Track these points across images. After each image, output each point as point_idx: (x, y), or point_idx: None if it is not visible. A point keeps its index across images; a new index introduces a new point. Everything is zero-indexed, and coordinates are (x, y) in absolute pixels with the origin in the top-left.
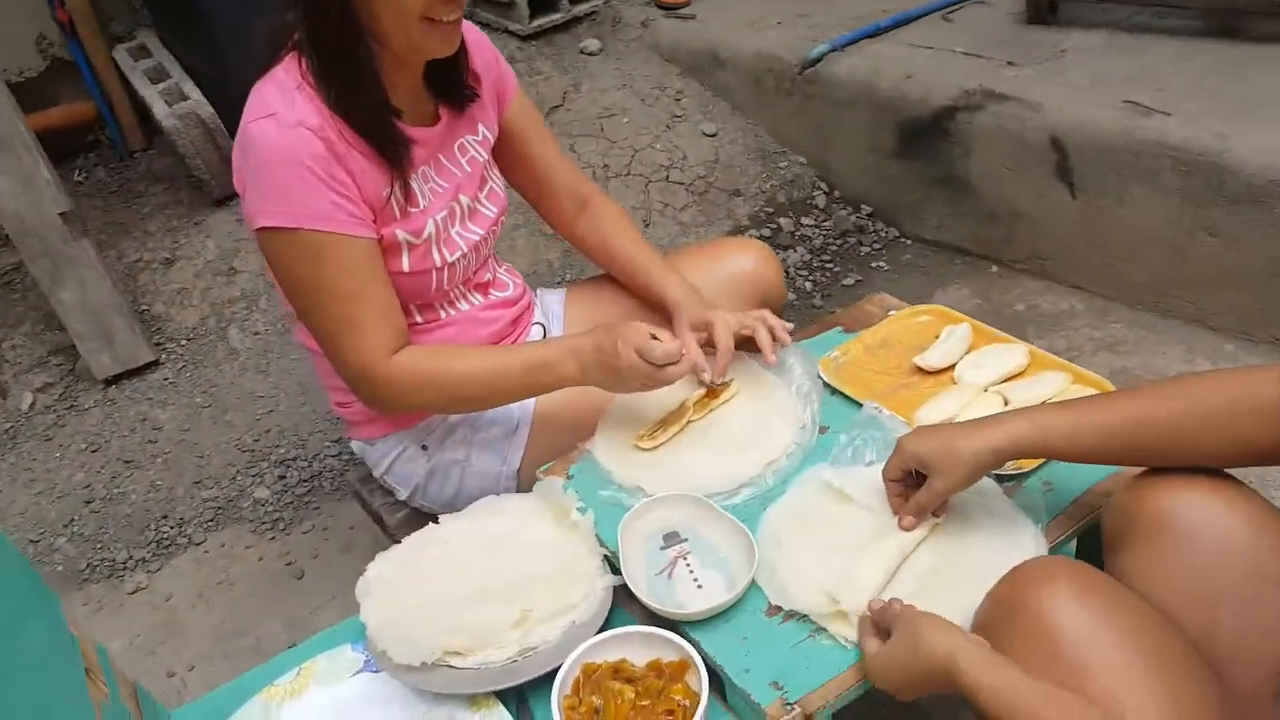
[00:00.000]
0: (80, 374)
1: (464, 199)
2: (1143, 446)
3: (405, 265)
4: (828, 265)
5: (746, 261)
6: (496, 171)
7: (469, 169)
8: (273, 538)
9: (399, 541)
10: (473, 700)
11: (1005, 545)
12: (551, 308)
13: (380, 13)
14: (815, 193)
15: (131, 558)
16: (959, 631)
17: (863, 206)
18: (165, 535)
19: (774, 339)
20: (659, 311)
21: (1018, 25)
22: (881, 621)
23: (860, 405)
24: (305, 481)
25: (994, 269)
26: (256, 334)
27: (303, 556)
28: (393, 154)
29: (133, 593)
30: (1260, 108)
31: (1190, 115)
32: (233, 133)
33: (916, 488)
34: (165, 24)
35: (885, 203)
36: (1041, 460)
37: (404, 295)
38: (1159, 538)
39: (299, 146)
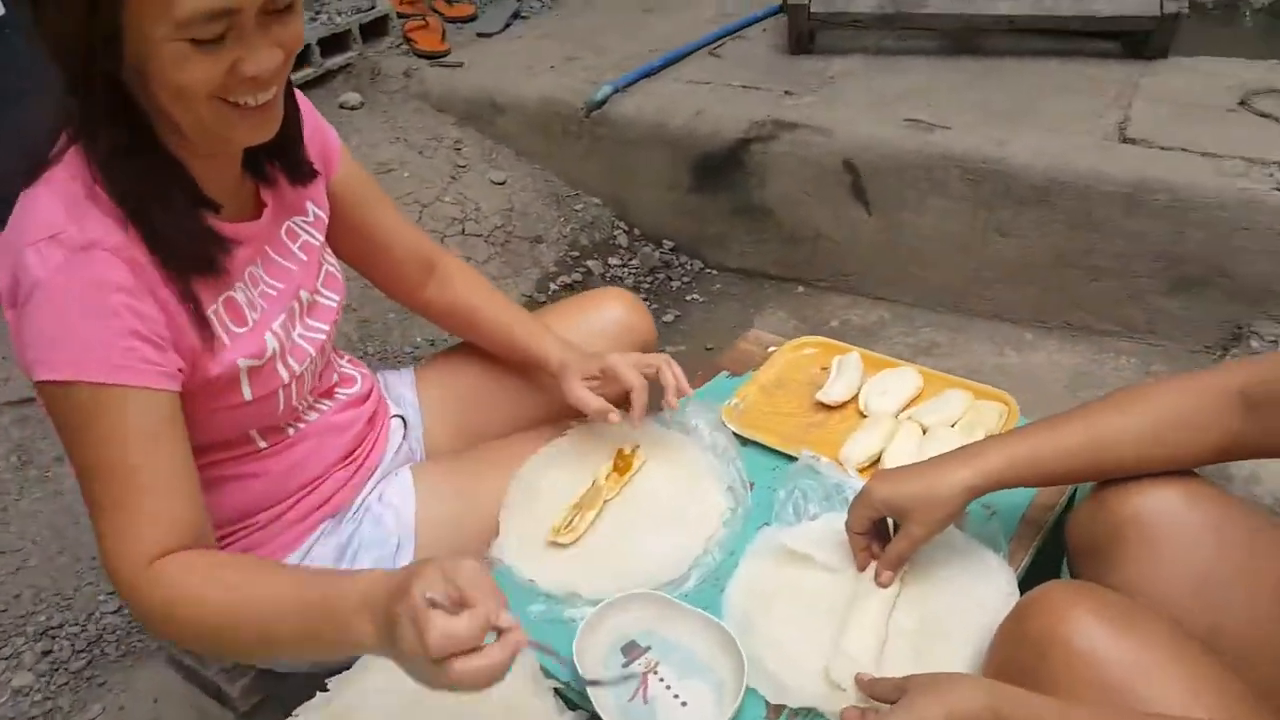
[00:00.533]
0: None
1: (304, 294)
2: (1104, 465)
3: (247, 394)
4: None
5: (617, 310)
6: (330, 251)
7: (304, 257)
8: None
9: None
10: None
11: (977, 581)
12: (403, 395)
13: (164, 100)
14: (616, 233)
15: None
16: (983, 681)
17: (665, 242)
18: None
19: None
20: (535, 375)
21: (782, 56)
22: (880, 696)
23: (776, 452)
24: (81, 653)
25: (801, 289)
26: None
27: None
28: (213, 265)
29: None
30: (1024, 115)
31: (967, 126)
32: None
33: (879, 537)
34: None
35: (687, 236)
36: None
37: (246, 425)
38: (1138, 540)
39: (94, 275)
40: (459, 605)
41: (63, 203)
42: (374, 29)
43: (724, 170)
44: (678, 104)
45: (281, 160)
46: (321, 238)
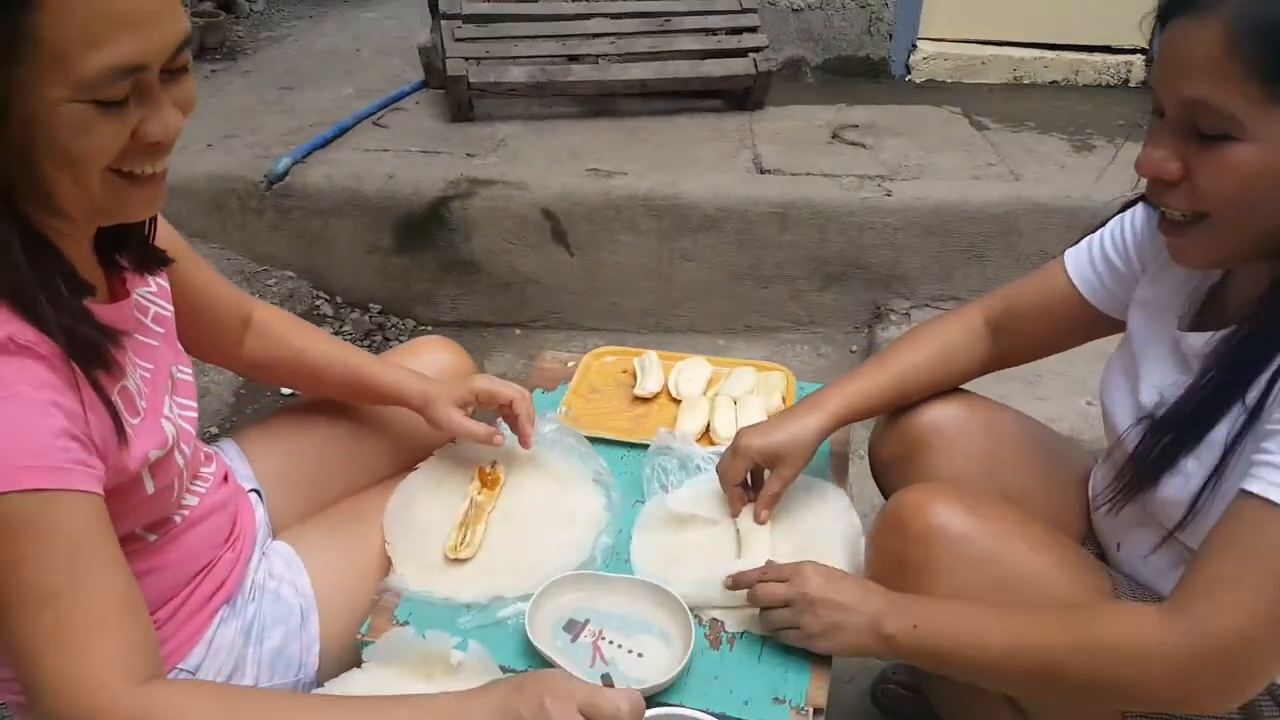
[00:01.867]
0: None
1: (173, 370)
2: (908, 393)
3: (149, 488)
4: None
5: (442, 355)
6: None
7: (160, 330)
8: None
9: None
10: None
11: (826, 506)
12: (238, 466)
13: (51, 174)
14: (319, 302)
15: None
16: (863, 601)
17: (372, 306)
18: None
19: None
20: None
21: (446, 124)
22: (766, 592)
23: (617, 443)
24: None
25: (519, 331)
26: None
27: None
28: (102, 355)
29: None
30: (678, 160)
31: (639, 173)
32: None
33: (746, 486)
34: None
35: (395, 297)
36: None
37: (139, 521)
38: (935, 443)
39: (16, 373)
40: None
41: None
42: None
43: (426, 229)
44: (365, 170)
45: (133, 244)
46: (170, 307)
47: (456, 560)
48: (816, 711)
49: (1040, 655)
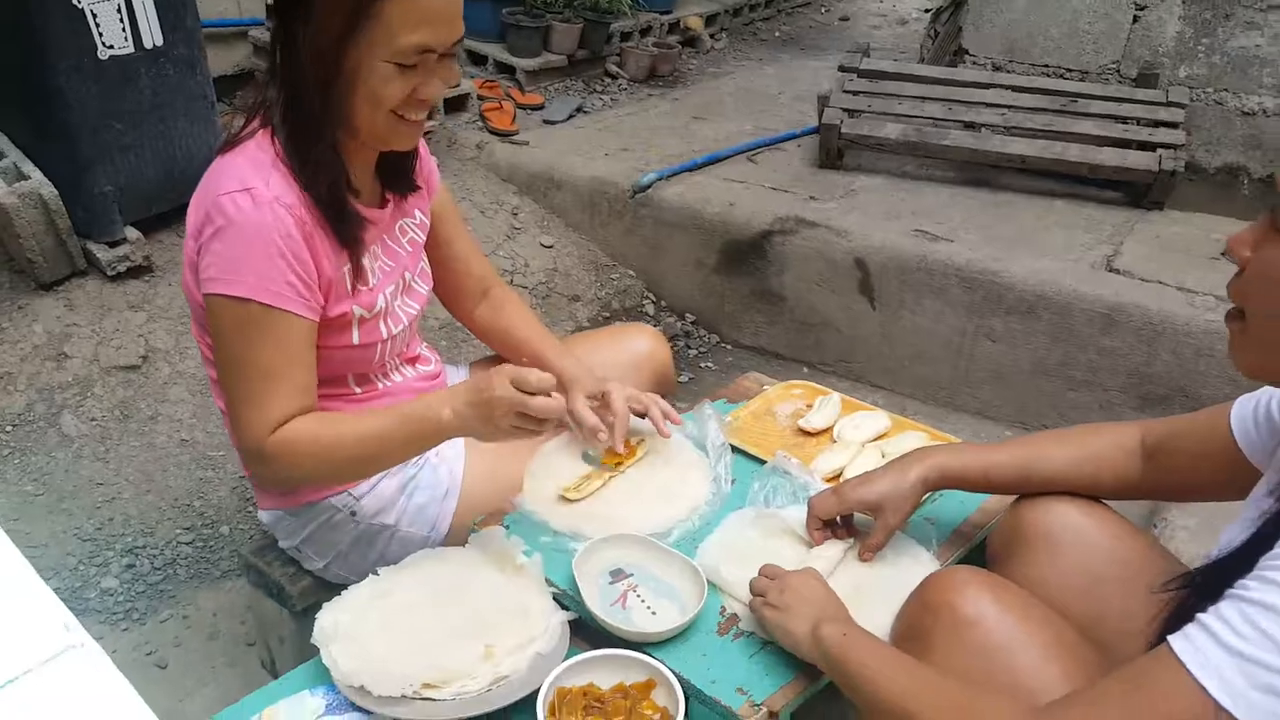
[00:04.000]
0: None
1: (407, 275)
2: (1031, 480)
3: (355, 338)
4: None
5: (643, 343)
6: (425, 254)
7: (409, 249)
8: (126, 629)
9: (300, 611)
10: None
11: (906, 566)
12: (455, 376)
13: (359, 105)
14: (645, 302)
15: None
16: (817, 606)
17: (687, 315)
18: None
19: (665, 417)
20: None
21: (812, 168)
22: (761, 589)
23: (758, 460)
24: (158, 570)
25: (806, 370)
26: (93, 420)
27: (164, 646)
28: (351, 233)
29: None
30: (1022, 240)
31: (970, 243)
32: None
33: (832, 528)
34: (5, 113)
35: (708, 312)
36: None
37: (348, 367)
38: (1045, 545)
39: (273, 223)
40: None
41: (254, 166)
42: (456, 104)
43: (747, 257)
44: (714, 195)
45: (399, 173)
46: (424, 237)
47: (565, 499)
48: (772, 714)
49: (912, 704)
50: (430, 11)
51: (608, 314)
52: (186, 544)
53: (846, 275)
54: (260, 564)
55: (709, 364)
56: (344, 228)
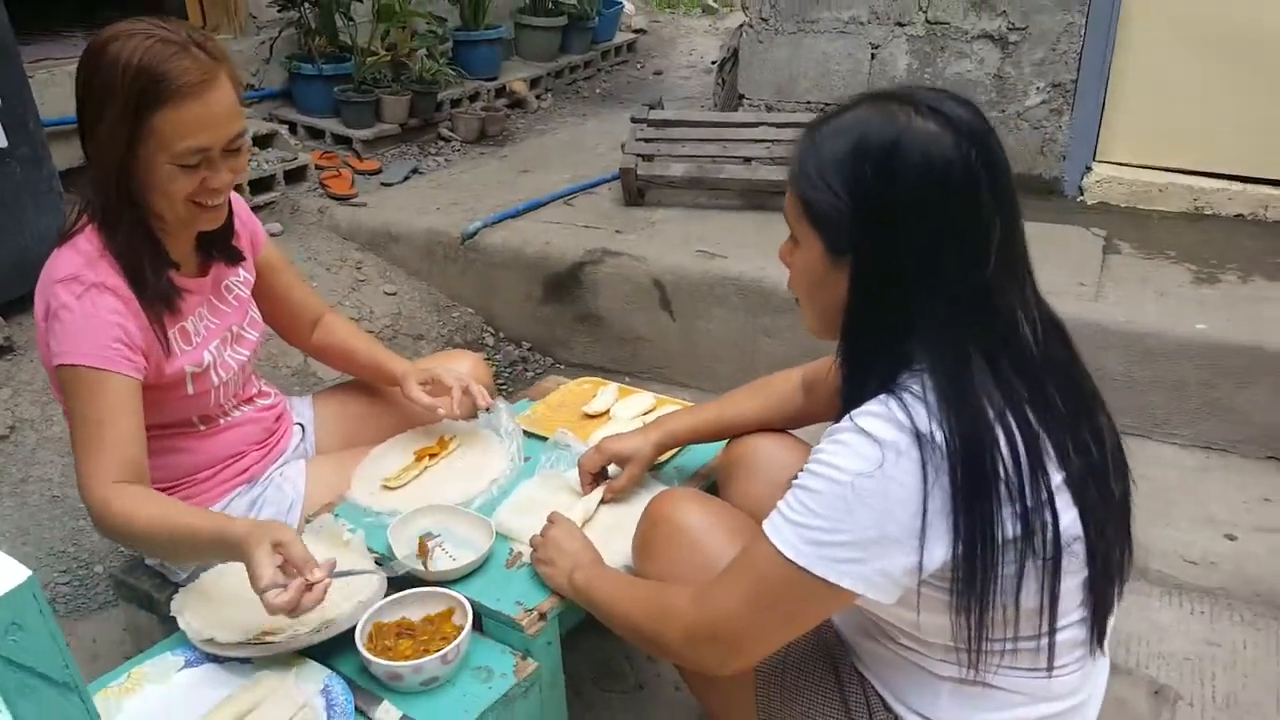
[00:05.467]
0: None
1: (234, 328)
2: (731, 426)
3: (190, 390)
4: (503, 388)
5: (464, 365)
6: (254, 304)
7: (235, 304)
8: None
9: (169, 617)
10: (285, 661)
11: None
12: (303, 411)
13: (156, 200)
14: (484, 334)
15: None
16: (571, 558)
17: (523, 343)
18: None
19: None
20: (396, 401)
21: (620, 207)
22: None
23: (544, 439)
24: None
25: (628, 379)
26: None
27: None
28: (170, 303)
29: None
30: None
31: (742, 257)
32: None
33: (596, 479)
34: None
35: (540, 338)
36: (671, 455)
37: (189, 411)
38: (744, 470)
39: (100, 302)
40: (285, 567)
41: (82, 257)
42: (295, 175)
43: (567, 286)
44: (532, 236)
45: (219, 244)
46: (248, 293)
47: (386, 488)
48: (541, 615)
49: (632, 616)
50: (199, 120)
51: (452, 348)
52: (64, 584)
53: (648, 294)
54: (130, 579)
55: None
56: (161, 302)
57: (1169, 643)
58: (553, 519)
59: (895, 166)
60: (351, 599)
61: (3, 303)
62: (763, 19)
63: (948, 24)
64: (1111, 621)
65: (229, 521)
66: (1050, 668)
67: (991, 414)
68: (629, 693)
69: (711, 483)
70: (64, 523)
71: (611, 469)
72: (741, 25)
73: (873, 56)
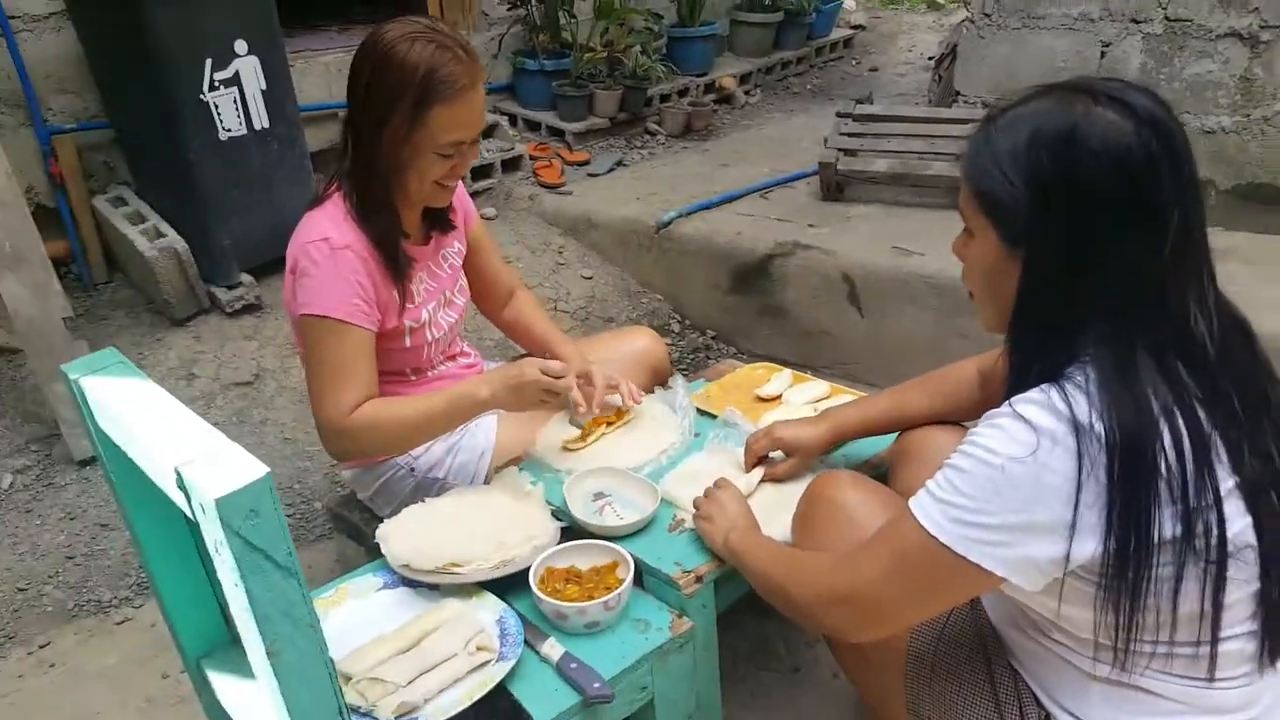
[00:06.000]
0: (56, 458)
1: (447, 293)
2: (904, 421)
3: (407, 342)
4: (684, 372)
5: (641, 342)
6: (463, 274)
7: (449, 272)
8: None
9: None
10: (467, 591)
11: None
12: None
13: (411, 179)
14: (671, 321)
15: (116, 597)
16: (730, 519)
17: (708, 331)
18: (145, 580)
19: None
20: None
21: (817, 201)
22: (697, 504)
23: (715, 417)
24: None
25: (810, 373)
26: (215, 424)
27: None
28: (401, 268)
29: (120, 623)
30: None
31: (939, 255)
32: (201, 265)
33: (764, 460)
34: (146, 185)
35: (724, 327)
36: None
37: (404, 362)
38: (914, 460)
39: (345, 262)
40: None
41: (331, 221)
42: (511, 165)
43: (754, 277)
44: (724, 227)
45: (439, 217)
46: (460, 263)
47: (567, 449)
48: (698, 578)
49: (773, 575)
50: (462, 119)
51: None
52: (289, 516)
53: (836, 289)
54: (343, 512)
55: None
56: (396, 264)
57: None
58: (720, 483)
59: (1073, 153)
60: (528, 543)
61: (256, 265)
62: (985, 14)
63: (1190, 21)
64: None
65: (466, 389)
66: (1211, 677)
67: (1157, 408)
68: (784, 673)
69: (881, 471)
70: (293, 462)
71: (777, 454)
72: (963, 20)
73: (1102, 55)
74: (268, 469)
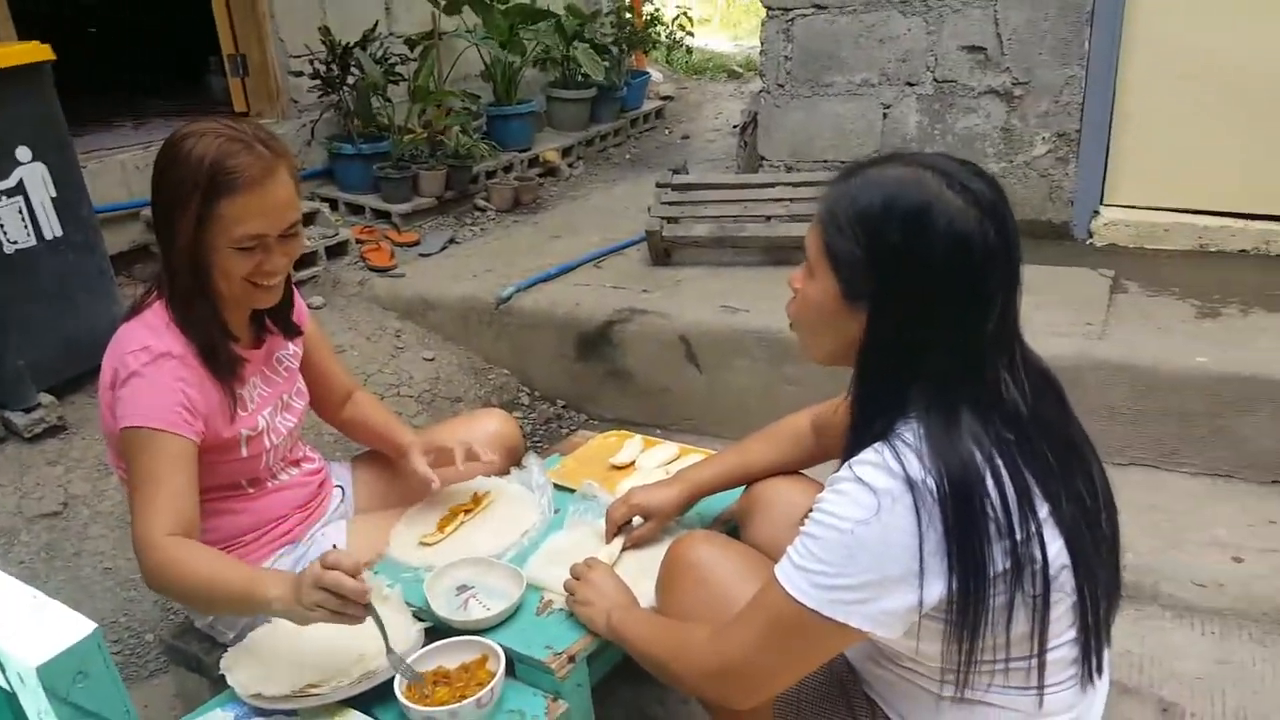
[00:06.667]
0: None
1: (284, 397)
2: (751, 475)
3: (244, 452)
4: (538, 445)
5: (493, 424)
6: (301, 375)
7: (285, 374)
8: None
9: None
10: (329, 712)
11: None
12: (342, 475)
13: (218, 279)
14: (520, 394)
15: None
16: (610, 599)
17: (557, 400)
18: None
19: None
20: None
21: (648, 267)
22: (570, 589)
23: (572, 490)
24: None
25: (659, 432)
26: (21, 563)
27: None
28: (229, 372)
29: None
30: None
31: (761, 311)
32: None
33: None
34: None
35: (573, 395)
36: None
37: (240, 474)
38: (762, 512)
39: (166, 370)
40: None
41: (150, 329)
42: (336, 250)
43: (596, 345)
44: (563, 299)
45: (279, 320)
46: (297, 365)
47: (423, 545)
48: (570, 658)
49: (658, 654)
50: (257, 209)
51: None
52: (116, 653)
53: (675, 350)
54: (180, 644)
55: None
56: (222, 369)
57: (1181, 663)
58: (589, 563)
59: (922, 232)
60: (407, 635)
61: (57, 384)
62: (779, 85)
63: (955, 82)
64: (1108, 643)
65: (275, 570)
66: (1041, 686)
67: (980, 458)
68: None
69: (733, 526)
70: (116, 593)
71: (636, 520)
72: (760, 90)
73: (885, 116)
74: (95, 625)
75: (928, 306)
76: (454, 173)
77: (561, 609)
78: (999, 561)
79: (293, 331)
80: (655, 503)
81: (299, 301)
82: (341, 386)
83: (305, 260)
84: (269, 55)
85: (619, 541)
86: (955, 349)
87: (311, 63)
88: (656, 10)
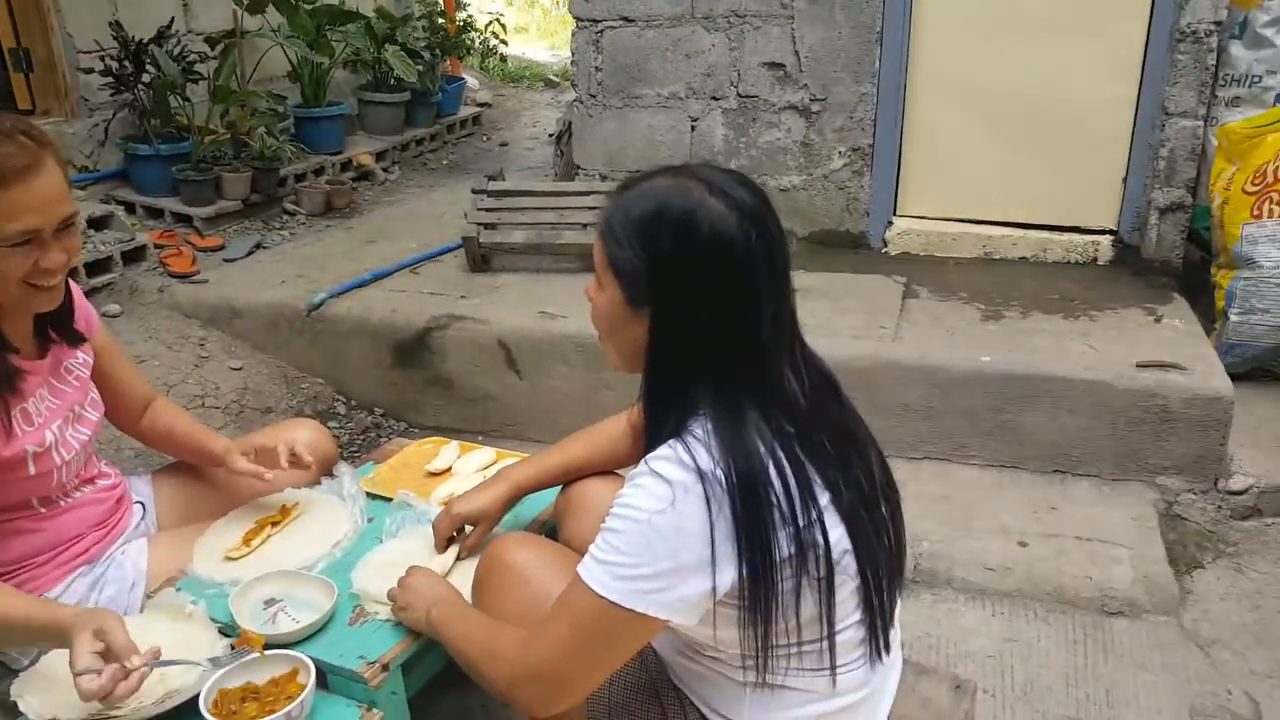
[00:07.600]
0: None
1: (76, 408)
2: (570, 473)
3: (32, 469)
4: (356, 454)
5: (305, 434)
6: (94, 385)
7: (76, 385)
8: None
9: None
10: None
11: None
12: (142, 490)
13: None
14: (336, 404)
15: None
16: (448, 593)
17: (375, 409)
18: None
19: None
20: (232, 479)
21: (466, 273)
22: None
23: (387, 499)
24: None
25: (481, 438)
26: None
27: None
28: (11, 385)
29: None
30: None
31: (578, 317)
32: None
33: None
34: None
35: (392, 404)
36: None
37: (30, 492)
38: (576, 511)
39: None
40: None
41: None
42: (132, 256)
43: (415, 352)
44: (378, 305)
45: (60, 327)
46: (88, 374)
47: (229, 559)
48: (384, 667)
49: (470, 654)
50: (26, 202)
51: (298, 418)
52: None
53: (494, 355)
54: None
55: None
56: (2, 383)
57: (973, 642)
58: (411, 570)
59: (688, 237)
60: (193, 669)
61: None
62: (591, 95)
63: (757, 97)
64: (893, 623)
65: (58, 608)
66: (833, 666)
67: (763, 451)
68: None
69: (551, 527)
70: None
71: (468, 528)
72: (574, 100)
73: (693, 128)
74: None
75: (699, 307)
76: (260, 175)
77: (376, 617)
78: (784, 547)
79: (76, 338)
80: (479, 508)
81: (83, 305)
82: (139, 394)
83: (100, 266)
84: (55, 50)
85: (453, 551)
86: (731, 347)
87: (103, 59)
88: (469, 17)
